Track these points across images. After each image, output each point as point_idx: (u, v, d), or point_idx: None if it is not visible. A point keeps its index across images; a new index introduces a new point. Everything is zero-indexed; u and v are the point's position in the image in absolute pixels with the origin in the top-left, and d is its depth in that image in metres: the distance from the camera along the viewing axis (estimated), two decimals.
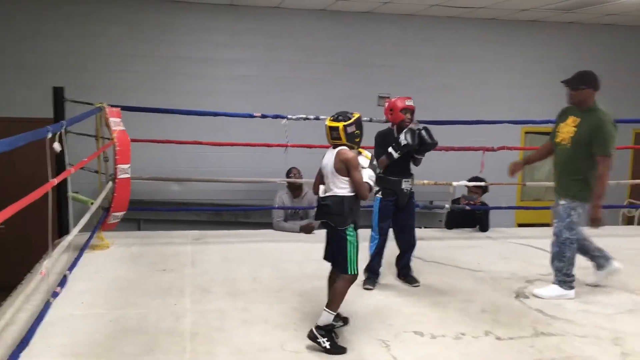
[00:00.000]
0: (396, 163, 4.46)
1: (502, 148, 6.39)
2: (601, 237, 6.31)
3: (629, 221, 8.69)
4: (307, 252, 5.42)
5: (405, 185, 4.51)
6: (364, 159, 3.52)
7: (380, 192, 4.51)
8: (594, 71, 4.28)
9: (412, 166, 4.63)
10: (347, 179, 3.42)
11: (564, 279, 4.33)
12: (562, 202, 4.29)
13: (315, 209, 3.54)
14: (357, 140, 3.49)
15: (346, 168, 3.40)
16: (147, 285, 4.39)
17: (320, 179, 3.58)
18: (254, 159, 7.98)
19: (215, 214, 8.08)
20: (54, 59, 7.62)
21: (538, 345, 3.49)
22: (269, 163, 7.40)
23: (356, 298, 4.20)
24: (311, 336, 3.37)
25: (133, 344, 3.36)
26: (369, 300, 4.20)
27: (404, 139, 4.37)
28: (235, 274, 4.76)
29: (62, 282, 4.17)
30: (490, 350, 3.43)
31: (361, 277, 4.08)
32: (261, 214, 7.59)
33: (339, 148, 3.45)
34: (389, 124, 4.71)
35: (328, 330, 3.36)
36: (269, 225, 6.43)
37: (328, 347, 3.31)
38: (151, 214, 7.63)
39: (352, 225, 3.44)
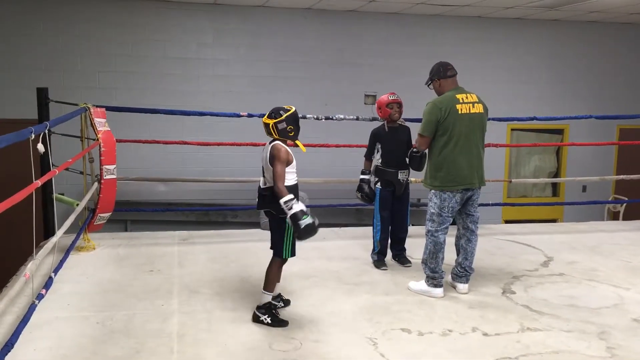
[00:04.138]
0: (393, 157, 4.91)
1: (488, 145, 6.39)
2: (587, 233, 6.44)
3: (614, 216, 8.78)
4: None
5: (401, 176, 4.93)
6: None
7: (379, 183, 4.95)
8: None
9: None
10: None
11: (430, 274, 4.28)
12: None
13: (257, 200, 3.84)
14: (292, 134, 3.72)
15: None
16: (133, 287, 4.36)
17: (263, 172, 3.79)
18: (241, 158, 7.95)
19: (203, 214, 8.04)
20: (39, 59, 7.54)
21: (525, 341, 3.51)
22: (256, 162, 7.36)
23: (344, 297, 4.23)
24: (254, 318, 3.68)
25: (119, 346, 3.35)
26: (356, 299, 4.21)
27: (365, 191, 4.96)
28: (223, 274, 4.75)
29: (48, 284, 4.13)
30: (477, 346, 3.45)
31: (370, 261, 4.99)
32: (249, 214, 7.57)
33: (274, 142, 3.68)
34: (375, 122, 5.03)
35: (267, 308, 3.70)
36: (257, 224, 6.41)
37: (270, 321, 3.65)
38: (138, 214, 7.58)
39: None
